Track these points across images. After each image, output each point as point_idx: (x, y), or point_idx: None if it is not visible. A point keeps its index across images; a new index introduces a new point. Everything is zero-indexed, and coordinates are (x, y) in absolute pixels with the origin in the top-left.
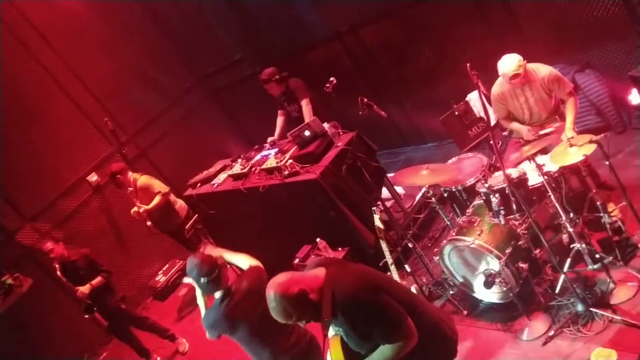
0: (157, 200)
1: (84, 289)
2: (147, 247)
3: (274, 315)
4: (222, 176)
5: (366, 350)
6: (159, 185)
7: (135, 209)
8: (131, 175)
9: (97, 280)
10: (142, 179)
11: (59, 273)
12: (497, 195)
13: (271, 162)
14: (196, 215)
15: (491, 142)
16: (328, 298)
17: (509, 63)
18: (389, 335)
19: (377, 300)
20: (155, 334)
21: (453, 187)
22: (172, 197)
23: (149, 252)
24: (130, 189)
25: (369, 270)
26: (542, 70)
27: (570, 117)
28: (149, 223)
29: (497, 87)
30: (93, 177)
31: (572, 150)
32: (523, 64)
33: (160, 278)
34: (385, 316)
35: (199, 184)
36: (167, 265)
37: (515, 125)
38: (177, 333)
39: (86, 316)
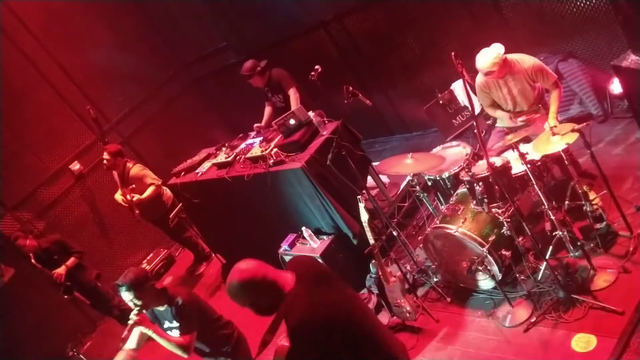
0: (150, 191)
1: (60, 270)
2: (130, 236)
3: (232, 297)
4: (207, 165)
5: None
6: (151, 177)
7: (119, 194)
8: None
9: (71, 261)
10: (135, 169)
11: (33, 261)
12: (480, 183)
13: (256, 151)
14: (180, 204)
15: (475, 130)
16: (281, 316)
17: (484, 59)
18: None
19: (321, 347)
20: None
21: (437, 176)
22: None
23: (132, 241)
24: (115, 172)
25: (341, 304)
26: (527, 61)
27: (553, 107)
28: (136, 212)
29: (480, 77)
30: (75, 166)
31: (555, 139)
32: (499, 60)
33: (145, 267)
34: None
35: (182, 173)
36: (151, 254)
37: (499, 113)
38: None
39: (65, 297)
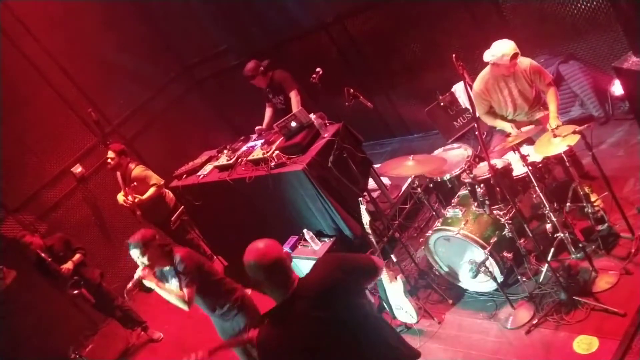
0: (151, 191)
1: (68, 265)
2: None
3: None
4: (208, 167)
5: None
6: (154, 177)
7: (122, 195)
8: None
9: (77, 257)
10: (138, 170)
11: (43, 255)
12: (482, 185)
13: (257, 153)
14: (182, 207)
15: (476, 132)
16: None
17: (506, 45)
18: None
19: None
20: (129, 323)
21: (438, 178)
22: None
23: None
24: (119, 173)
25: (314, 344)
26: (524, 61)
27: (553, 106)
28: (138, 213)
29: (479, 83)
30: (77, 169)
31: (556, 140)
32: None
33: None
34: None
35: (184, 175)
36: None
37: (498, 122)
38: (163, 324)
39: (75, 292)
